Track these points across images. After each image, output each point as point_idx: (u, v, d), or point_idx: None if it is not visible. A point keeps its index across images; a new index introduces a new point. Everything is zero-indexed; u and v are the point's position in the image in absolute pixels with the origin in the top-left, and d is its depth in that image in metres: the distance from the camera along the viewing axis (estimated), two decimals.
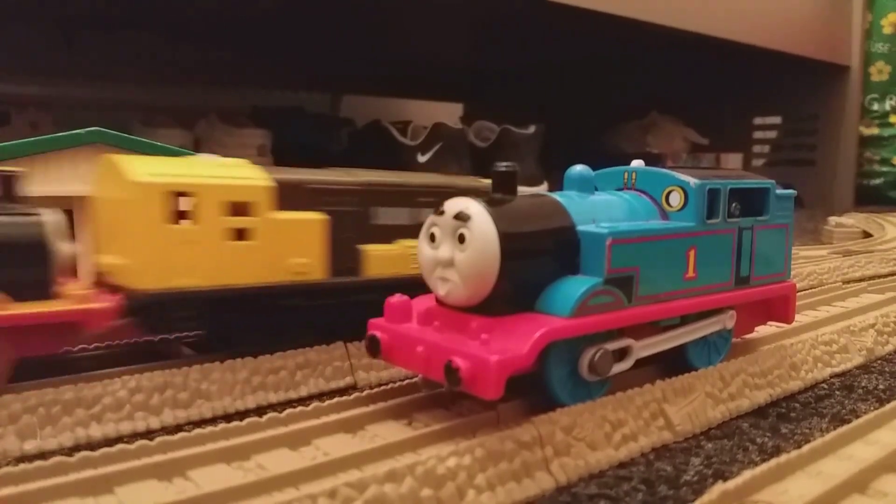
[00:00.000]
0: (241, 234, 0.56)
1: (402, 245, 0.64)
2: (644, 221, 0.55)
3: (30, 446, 0.47)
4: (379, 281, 0.61)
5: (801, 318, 0.77)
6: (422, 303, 0.51)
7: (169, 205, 0.53)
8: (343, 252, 0.60)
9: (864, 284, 1.00)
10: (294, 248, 0.58)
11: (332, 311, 0.60)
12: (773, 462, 0.41)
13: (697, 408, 0.52)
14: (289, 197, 0.58)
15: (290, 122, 1.86)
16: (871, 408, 0.56)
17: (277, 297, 0.58)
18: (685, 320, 0.56)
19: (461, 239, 0.46)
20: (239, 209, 0.56)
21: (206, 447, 0.43)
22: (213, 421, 0.52)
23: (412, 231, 0.59)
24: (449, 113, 2.42)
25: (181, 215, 0.54)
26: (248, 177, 0.57)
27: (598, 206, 0.54)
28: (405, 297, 0.51)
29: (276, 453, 0.45)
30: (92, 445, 0.47)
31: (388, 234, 0.64)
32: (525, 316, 0.47)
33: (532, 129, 1.82)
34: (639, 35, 1.68)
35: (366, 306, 0.52)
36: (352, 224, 0.62)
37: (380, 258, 0.62)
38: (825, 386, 0.62)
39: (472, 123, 1.83)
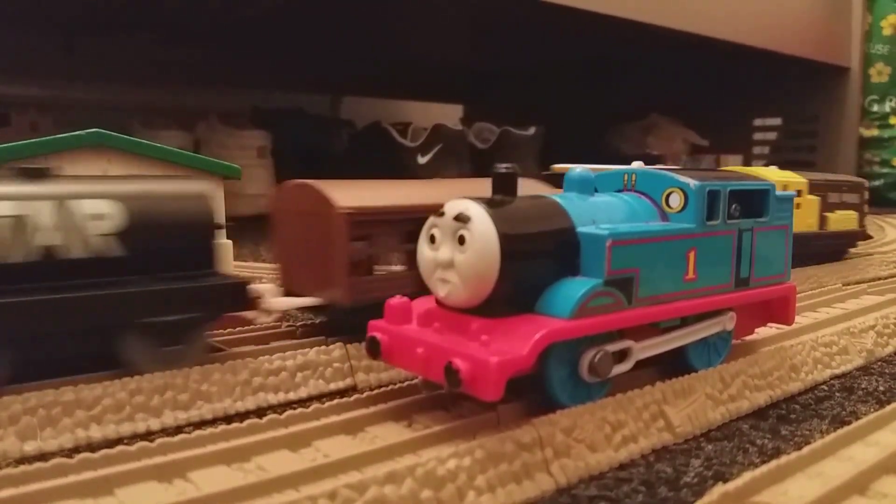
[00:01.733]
0: (798, 205, 1.07)
1: (840, 213, 1.21)
2: (644, 223, 0.55)
3: (30, 448, 0.47)
4: (835, 232, 1.21)
5: (801, 320, 0.77)
6: (422, 304, 0.51)
7: None
8: (824, 215, 1.19)
9: (864, 286, 1.00)
10: (811, 214, 1.15)
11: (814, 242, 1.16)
12: (773, 463, 0.41)
13: (697, 409, 0.52)
14: (818, 187, 1.18)
15: (291, 123, 1.87)
16: (871, 409, 0.56)
17: (804, 238, 1.09)
18: (685, 322, 0.56)
19: (461, 240, 0.46)
20: (799, 192, 1.09)
21: (206, 449, 0.43)
22: (213, 422, 0.52)
23: (844, 206, 1.23)
24: (449, 114, 2.42)
25: None
26: (796, 178, 1.15)
27: (598, 207, 0.54)
28: (405, 299, 0.51)
29: (277, 455, 0.45)
30: (92, 447, 0.47)
31: (835, 208, 1.22)
32: (525, 317, 0.47)
33: (532, 130, 1.82)
34: (639, 36, 1.68)
35: (827, 247, 1.20)
36: (823, 202, 1.18)
37: (834, 220, 1.20)
38: (825, 387, 0.62)
39: (473, 125, 1.83)
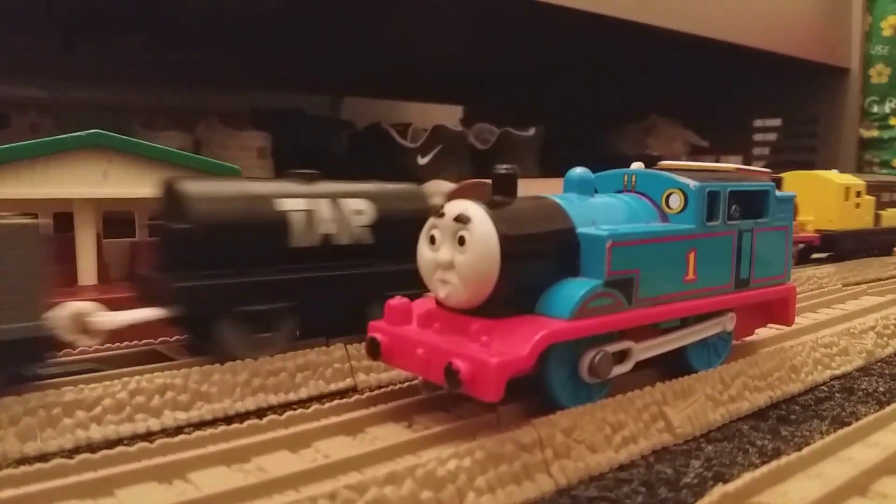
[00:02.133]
0: (858, 204, 1.27)
1: (891, 211, 1.35)
2: (644, 224, 0.55)
3: (30, 448, 0.47)
4: (888, 228, 1.34)
5: (801, 321, 0.77)
6: (422, 305, 0.51)
7: (847, 193, 1.22)
8: (878, 213, 1.33)
9: (863, 287, 1.00)
10: (868, 212, 1.28)
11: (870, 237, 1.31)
12: (773, 464, 0.41)
13: (697, 410, 0.52)
14: (873, 187, 1.31)
15: (291, 124, 1.86)
16: (871, 410, 0.56)
17: (862, 233, 1.27)
18: (685, 322, 0.56)
19: (461, 241, 0.47)
20: (858, 193, 1.25)
21: (206, 449, 0.43)
22: (213, 423, 0.52)
23: (894, 205, 1.37)
24: (449, 115, 2.42)
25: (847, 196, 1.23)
26: (856, 180, 1.26)
27: (598, 208, 0.54)
28: (405, 300, 0.51)
29: (277, 455, 0.45)
30: (92, 447, 0.47)
31: (887, 206, 1.34)
32: (525, 318, 0.47)
33: (532, 131, 1.82)
34: (639, 37, 1.68)
35: (881, 242, 1.34)
36: (877, 201, 1.31)
37: (887, 217, 1.33)
38: (825, 388, 0.62)
39: (473, 125, 1.83)
